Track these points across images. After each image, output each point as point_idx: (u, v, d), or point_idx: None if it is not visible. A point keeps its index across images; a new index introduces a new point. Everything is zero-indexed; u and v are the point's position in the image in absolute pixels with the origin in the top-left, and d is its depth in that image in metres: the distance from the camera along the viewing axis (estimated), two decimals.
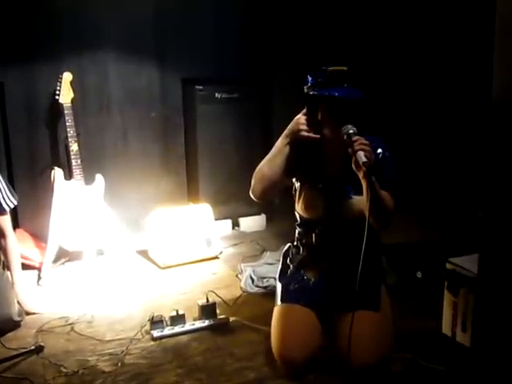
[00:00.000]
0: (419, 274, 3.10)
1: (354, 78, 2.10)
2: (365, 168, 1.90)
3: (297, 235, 2.34)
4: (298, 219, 2.30)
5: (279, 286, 2.33)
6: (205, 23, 4.17)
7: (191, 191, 4.34)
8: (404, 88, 4.28)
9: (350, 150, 1.96)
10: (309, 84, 2.13)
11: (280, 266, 2.41)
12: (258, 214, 4.40)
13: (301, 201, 2.23)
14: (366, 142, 1.95)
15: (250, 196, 2.30)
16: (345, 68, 2.09)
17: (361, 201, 2.08)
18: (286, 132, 2.18)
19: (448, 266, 2.59)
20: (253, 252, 3.88)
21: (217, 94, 4.16)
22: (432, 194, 4.03)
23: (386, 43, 4.32)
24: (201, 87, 4.12)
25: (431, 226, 3.66)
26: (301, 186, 2.24)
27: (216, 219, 3.93)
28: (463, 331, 2.52)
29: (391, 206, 2.09)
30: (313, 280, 2.25)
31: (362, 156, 1.91)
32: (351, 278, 2.08)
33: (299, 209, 2.26)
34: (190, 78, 4.19)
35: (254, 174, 2.22)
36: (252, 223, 4.38)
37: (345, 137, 1.99)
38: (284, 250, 2.42)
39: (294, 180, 2.27)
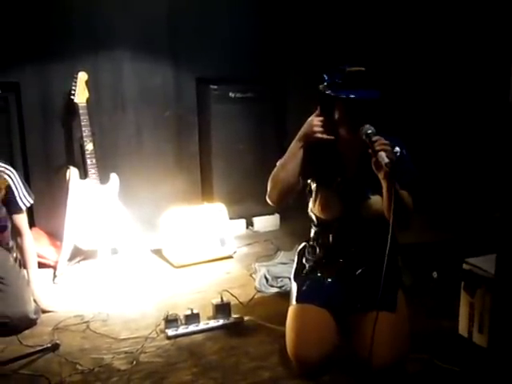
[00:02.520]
0: (435, 275, 3.07)
1: (372, 78, 2.08)
2: (387, 168, 1.88)
3: (313, 235, 2.32)
4: (314, 220, 2.28)
5: (294, 286, 2.31)
6: (219, 23, 4.18)
7: (205, 190, 4.34)
8: (418, 88, 4.26)
9: (370, 150, 1.93)
10: (325, 83, 2.11)
11: (295, 266, 2.39)
12: (272, 213, 4.39)
13: (317, 202, 2.21)
14: (387, 141, 1.93)
15: (263, 195, 2.29)
16: (363, 68, 2.08)
17: (378, 200, 2.06)
18: (299, 135, 2.15)
19: (465, 266, 2.57)
20: (267, 251, 3.88)
21: (231, 94, 4.17)
22: (448, 194, 4.00)
23: (401, 43, 4.30)
24: (215, 87, 4.12)
25: (447, 225, 3.63)
26: (317, 186, 2.22)
27: (230, 218, 3.93)
28: (480, 332, 2.49)
29: (411, 206, 2.07)
30: (329, 280, 2.23)
31: (383, 157, 1.88)
32: (367, 278, 2.07)
33: (316, 210, 2.23)
34: (204, 78, 4.20)
35: (270, 180, 2.20)
36: (266, 223, 4.37)
37: (364, 137, 1.97)
38: (299, 249, 2.41)
39: (309, 181, 2.25)
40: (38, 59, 3.70)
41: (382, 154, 1.89)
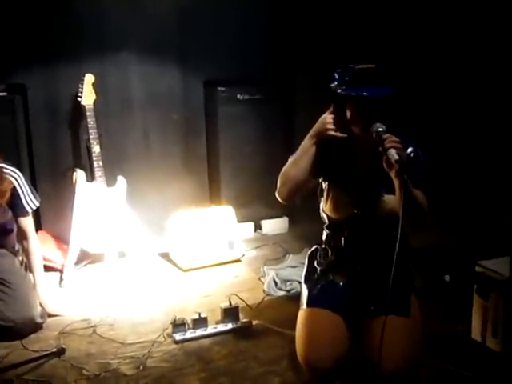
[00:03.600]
0: (447, 278, 3.03)
1: (383, 75, 2.04)
2: (397, 166, 1.84)
3: (324, 237, 2.29)
4: (326, 220, 2.25)
5: (305, 289, 2.27)
6: (226, 25, 4.14)
7: (213, 193, 4.31)
8: (431, 87, 4.21)
9: (380, 148, 1.90)
10: (335, 83, 2.08)
11: (305, 269, 2.35)
12: (281, 216, 4.36)
13: (329, 200, 2.18)
14: (397, 139, 1.89)
15: (272, 198, 2.26)
16: (372, 66, 2.04)
17: (392, 199, 2.02)
18: (311, 132, 2.13)
19: (478, 269, 2.52)
20: (275, 255, 3.84)
21: (239, 96, 4.14)
22: (461, 196, 3.95)
23: (412, 40, 4.25)
24: (223, 89, 4.10)
25: (459, 228, 3.58)
26: (329, 184, 2.19)
27: (238, 221, 3.89)
28: (494, 336, 2.45)
29: (425, 206, 2.02)
30: (341, 284, 2.20)
31: (393, 154, 1.85)
32: (381, 282, 2.02)
33: (327, 209, 2.20)
34: (211, 80, 4.17)
35: (280, 176, 2.18)
36: (274, 226, 4.34)
37: (374, 135, 1.94)
38: (310, 252, 2.37)
39: (320, 180, 2.22)
40: (44, 61, 3.68)
41: (392, 151, 1.86)
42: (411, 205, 1.91)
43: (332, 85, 2.08)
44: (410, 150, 2.06)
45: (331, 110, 2.09)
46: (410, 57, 4.23)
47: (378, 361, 1.89)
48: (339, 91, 2.05)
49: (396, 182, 1.92)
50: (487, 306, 2.48)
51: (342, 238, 2.18)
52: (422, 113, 4.22)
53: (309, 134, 2.12)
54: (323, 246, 2.28)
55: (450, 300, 2.92)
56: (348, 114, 2.05)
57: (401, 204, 1.87)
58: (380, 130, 1.93)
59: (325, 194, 2.20)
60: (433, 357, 2.33)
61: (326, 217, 2.24)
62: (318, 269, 2.28)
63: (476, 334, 2.55)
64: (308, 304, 2.19)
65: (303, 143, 2.13)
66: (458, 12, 3.95)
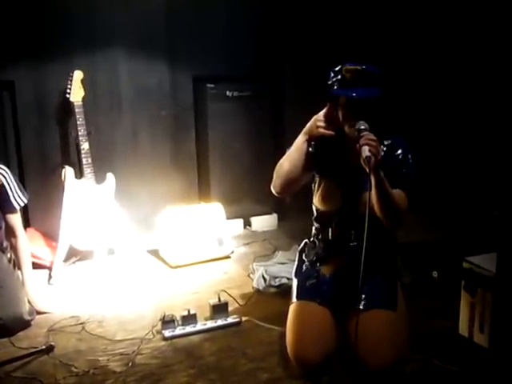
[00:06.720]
0: (435, 274, 3.05)
1: (370, 76, 2.07)
2: (367, 162, 1.89)
3: (313, 231, 2.34)
4: (315, 213, 2.30)
5: (295, 283, 2.31)
6: (216, 21, 4.15)
7: (202, 190, 4.31)
8: (418, 87, 4.23)
9: (357, 145, 1.95)
10: (329, 81, 2.14)
11: (296, 263, 2.40)
12: (270, 213, 4.37)
13: (319, 193, 2.24)
14: (374, 137, 1.95)
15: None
16: (359, 67, 2.07)
17: None
18: (304, 130, 2.22)
19: (465, 265, 2.54)
20: (264, 251, 3.85)
21: (228, 93, 4.15)
22: (448, 193, 3.98)
23: (402, 40, 4.27)
24: (212, 85, 4.10)
25: (447, 224, 3.61)
26: (320, 178, 2.24)
27: (227, 218, 3.90)
28: (481, 332, 2.47)
29: (403, 206, 2.08)
30: (328, 276, 2.23)
31: (365, 151, 1.92)
32: (366, 275, 2.06)
33: (316, 201, 2.26)
34: (201, 76, 4.17)
35: (275, 169, 2.26)
36: (264, 222, 4.35)
37: (356, 133, 1.99)
38: (300, 247, 2.42)
39: (314, 174, 2.27)
40: (33, 57, 3.66)
41: (365, 148, 1.93)
42: (385, 201, 2.01)
43: (328, 83, 2.13)
44: (399, 151, 2.13)
45: (327, 107, 2.14)
46: (400, 54, 4.25)
47: (364, 355, 1.93)
48: (330, 90, 2.10)
49: (372, 179, 1.97)
50: (474, 301, 2.50)
51: (329, 229, 2.23)
52: (410, 112, 4.25)
53: (302, 131, 2.19)
54: (311, 239, 2.33)
55: (438, 296, 2.94)
56: (339, 112, 2.10)
57: (368, 199, 1.95)
58: (362, 127, 1.98)
59: (316, 186, 2.26)
60: (419, 352, 2.34)
61: (314, 209, 2.29)
62: (306, 261, 2.32)
63: (463, 329, 2.57)
64: (297, 297, 2.23)
65: (297, 139, 2.20)
66: (449, 10, 3.98)
